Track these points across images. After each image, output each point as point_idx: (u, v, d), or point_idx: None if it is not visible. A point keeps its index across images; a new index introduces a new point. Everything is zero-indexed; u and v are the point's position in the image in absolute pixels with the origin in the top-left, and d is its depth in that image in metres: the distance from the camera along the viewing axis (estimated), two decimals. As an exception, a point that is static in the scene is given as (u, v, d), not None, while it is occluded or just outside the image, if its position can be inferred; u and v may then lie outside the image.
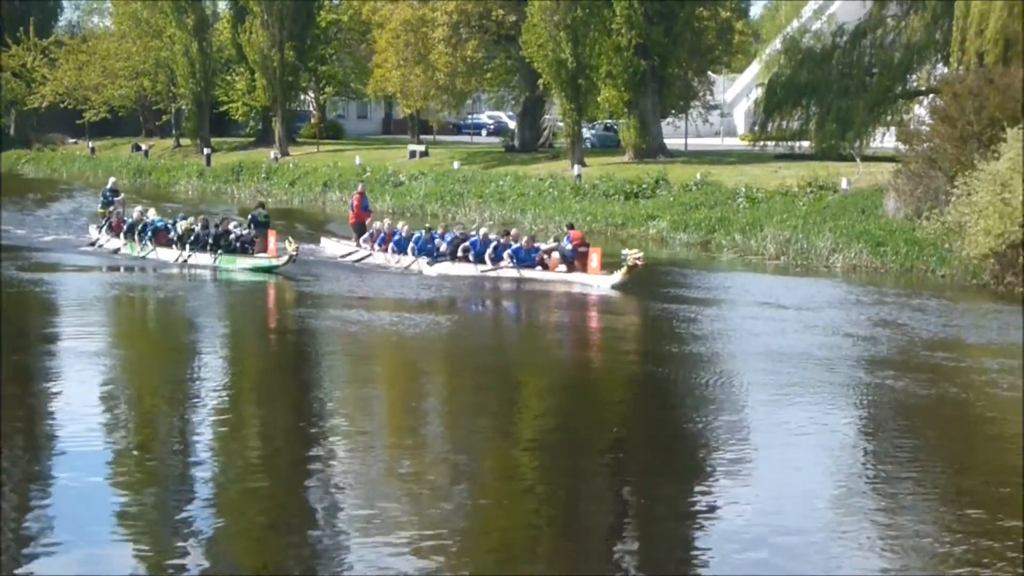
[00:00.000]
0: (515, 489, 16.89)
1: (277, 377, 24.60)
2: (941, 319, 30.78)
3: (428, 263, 39.60)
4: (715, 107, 78.40)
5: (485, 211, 57.25)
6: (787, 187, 52.17)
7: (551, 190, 59.58)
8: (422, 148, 76.92)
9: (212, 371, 24.71)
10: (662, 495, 16.34)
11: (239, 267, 39.83)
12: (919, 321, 30.14)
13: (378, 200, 63.42)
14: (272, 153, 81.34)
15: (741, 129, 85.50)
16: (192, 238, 41.33)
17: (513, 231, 40.57)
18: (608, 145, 75.89)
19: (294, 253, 37.92)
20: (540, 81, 66.00)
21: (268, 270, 38.99)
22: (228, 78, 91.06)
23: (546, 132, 77.63)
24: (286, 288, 36.52)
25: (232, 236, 40.84)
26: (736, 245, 44.93)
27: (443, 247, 39.86)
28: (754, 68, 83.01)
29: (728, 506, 15.73)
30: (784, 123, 62.46)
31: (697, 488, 16.55)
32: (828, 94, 59.07)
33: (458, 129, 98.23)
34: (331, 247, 44.50)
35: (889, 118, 58.58)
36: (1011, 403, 21.80)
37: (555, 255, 38.01)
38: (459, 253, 39.42)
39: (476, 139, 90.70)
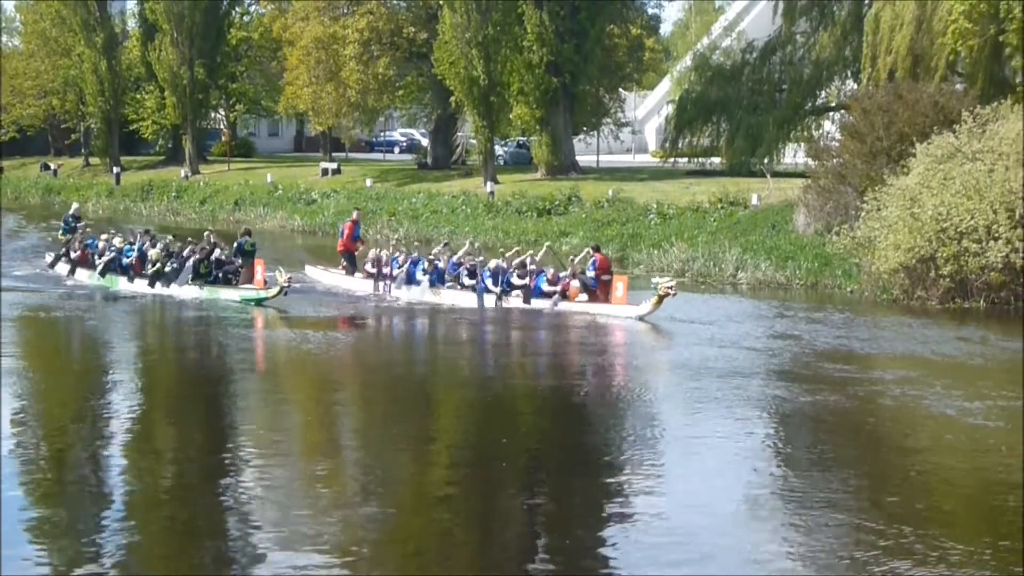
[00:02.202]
0: (429, 498, 16.89)
1: (227, 393, 24.46)
2: (844, 331, 31.21)
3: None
4: (626, 124, 78.75)
5: (398, 229, 57.06)
6: (698, 203, 52.44)
7: (464, 207, 59.60)
8: (334, 166, 76.57)
9: (126, 390, 24.46)
10: (574, 504, 16.37)
11: (224, 299, 36.54)
12: (823, 334, 30.54)
13: (289, 219, 63.33)
14: (182, 171, 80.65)
15: (652, 146, 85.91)
16: (170, 267, 38.13)
17: (528, 256, 36.80)
18: (521, 162, 76.00)
19: (286, 285, 34.88)
20: (452, 98, 65.91)
21: (257, 302, 35.80)
22: (138, 96, 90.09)
23: (459, 149, 77.67)
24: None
25: (212, 261, 37.75)
26: (649, 261, 44.93)
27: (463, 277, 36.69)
28: (665, 85, 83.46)
29: (639, 515, 15.81)
30: (695, 140, 62.98)
31: (608, 497, 16.60)
32: (738, 110, 59.56)
33: (370, 146, 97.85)
34: (324, 276, 41.33)
35: (799, 134, 59.14)
36: (905, 412, 22.41)
37: (575, 284, 34.93)
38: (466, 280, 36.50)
39: (389, 156, 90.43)
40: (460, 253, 37.92)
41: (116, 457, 19.22)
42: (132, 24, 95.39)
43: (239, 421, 22.02)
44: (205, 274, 37.74)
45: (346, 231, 41.37)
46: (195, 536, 15.29)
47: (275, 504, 16.30)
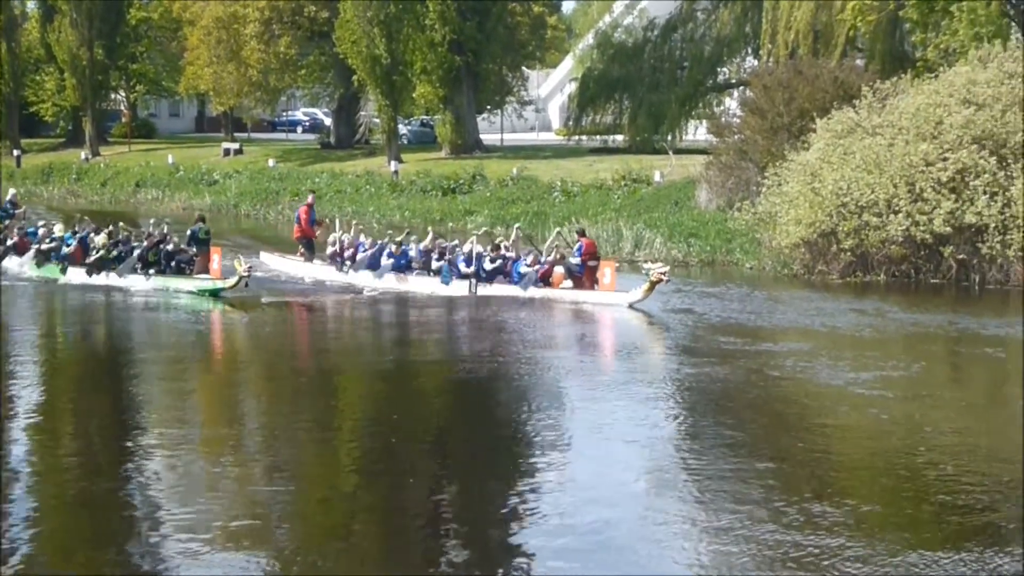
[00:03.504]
0: (337, 489, 16.78)
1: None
2: (740, 305, 31.54)
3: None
4: (529, 102, 78.78)
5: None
6: (602, 181, 52.65)
7: (368, 187, 59.48)
8: (236, 146, 76.09)
9: (24, 378, 24.07)
10: (482, 491, 16.31)
11: (176, 289, 34.08)
12: (718, 309, 30.85)
13: (193, 199, 62.84)
14: (83, 154, 79.69)
15: (556, 124, 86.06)
16: (116, 254, 35.50)
17: (507, 241, 35.59)
18: (425, 141, 75.78)
19: (246, 274, 32.43)
20: (355, 77, 65.77)
21: (214, 293, 33.21)
22: (37, 78, 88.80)
23: (362, 129, 77.40)
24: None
25: (163, 252, 35.17)
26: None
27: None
28: (567, 63, 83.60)
29: (548, 500, 15.68)
30: (598, 117, 63.14)
31: (517, 483, 16.48)
32: (640, 88, 59.78)
33: (273, 126, 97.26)
34: (280, 263, 38.92)
35: (701, 111, 59.50)
36: (796, 383, 22.74)
37: (559, 269, 32.88)
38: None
39: (291, 136, 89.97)
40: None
41: (18, 443, 18.89)
42: (31, 6, 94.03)
43: (144, 407, 21.68)
44: (154, 263, 35.14)
45: (302, 216, 38.42)
46: (94, 529, 15.07)
47: (175, 492, 16.09)
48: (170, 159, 73.46)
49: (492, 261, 33.67)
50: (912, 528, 14.65)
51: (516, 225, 40.10)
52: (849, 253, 34.60)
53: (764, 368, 23.75)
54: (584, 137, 64.62)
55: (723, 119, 49.79)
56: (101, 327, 31.25)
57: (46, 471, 17.30)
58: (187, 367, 25.42)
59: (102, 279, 35.25)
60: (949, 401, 21.54)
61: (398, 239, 35.81)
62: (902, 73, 39.83)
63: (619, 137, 62.49)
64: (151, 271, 34.96)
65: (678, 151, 55.73)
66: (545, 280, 32.91)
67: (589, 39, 67.83)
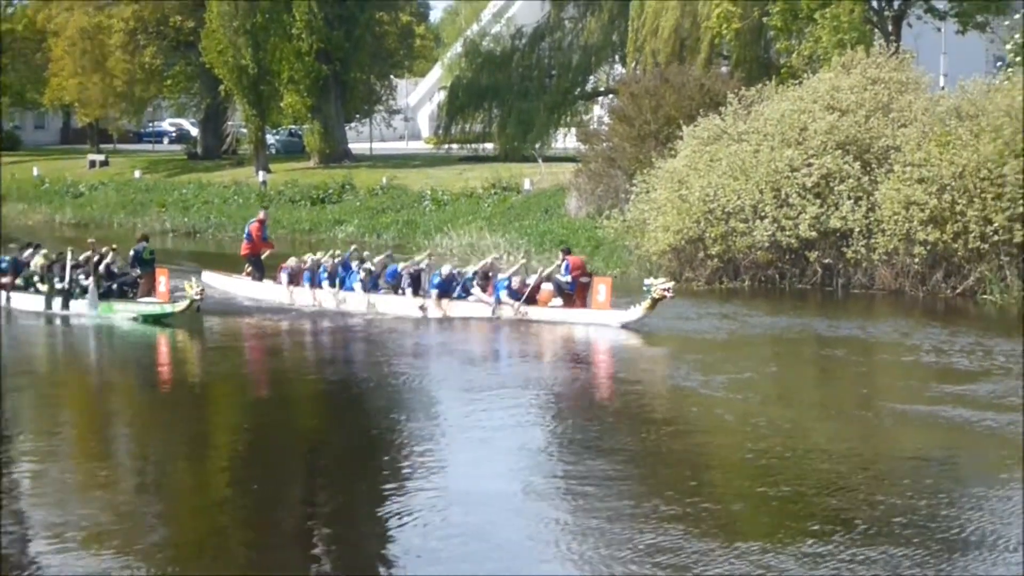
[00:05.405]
0: (209, 498, 16.65)
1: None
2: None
3: (423, 305, 30.78)
4: (398, 111, 78.63)
5: (166, 220, 56.31)
6: (472, 189, 52.70)
7: (236, 197, 59.05)
8: (102, 157, 75.29)
9: None
10: (358, 498, 16.24)
11: (120, 315, 31.15)
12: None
13: (57, 212, 61.98)
14: (-56, 167, 78.36)
15: (425, 132, 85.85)
16: (53, 279, 32.04)
17: (489, 260, 32.98)
18: (293, 151, 75.26)
19: (198, 298, 29.60)
20: (221, 87, 65.26)
21: (158, 318, 30.52)
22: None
23: (229, 139, 76.72)
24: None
25: (104, 272, 32.00)
26: (429, 247, 44.13)
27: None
28: (436, 72, 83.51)
29: (423, 506, 15.65)
30: (467, 126, 63.32)
31: (392, 489, 16.43)
32: (509, 96, 60.00)
33: (139, 137, 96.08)
34: (226, 283, 35.88)
35: (569, 119, 59.82)
36: (650, 387, 23.26)
37: (547, 287, 30.34)
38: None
39: (158, 147, 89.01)
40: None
41: None
42: None
43: (15, 425, 21.25)
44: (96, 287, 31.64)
45: (254, 232, 35.55)
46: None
47: (46, 506, 15.84)
48: (35, 171, 72.42)
49: (482, 288, 31.08)
50: (762, 523, 14.95)
51: (522, 255, 36.78)
52: (716, 259, 34.81)
53: (621, 372, 24.43)
54: (454, 146, 64.76)
55: (591, 127, 50.09)
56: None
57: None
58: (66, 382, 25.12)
59: (34, 299, 32.45)
60: (799, 402, 22.02)
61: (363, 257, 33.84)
62: (767, 80, 40.21)
63: (489, 145, 62.64)
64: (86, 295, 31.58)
65: (548, 159, 55.84)
66: (530, 299, 30.20)
67: (457, 48, 68.03)
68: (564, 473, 17.05)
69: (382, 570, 13.86)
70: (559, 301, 30.00)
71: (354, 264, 32.83)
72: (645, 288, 28.31)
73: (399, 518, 15.20)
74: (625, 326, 28.51)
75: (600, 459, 17.64)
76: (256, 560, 14.28)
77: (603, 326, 28.89)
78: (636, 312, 28.46)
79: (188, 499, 16.53)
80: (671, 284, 28.24)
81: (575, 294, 30.04)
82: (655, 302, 27.89)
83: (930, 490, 15.97)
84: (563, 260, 30.68)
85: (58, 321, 31.71)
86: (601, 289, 29.48)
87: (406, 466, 17.76)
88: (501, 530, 14.92)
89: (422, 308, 30.74)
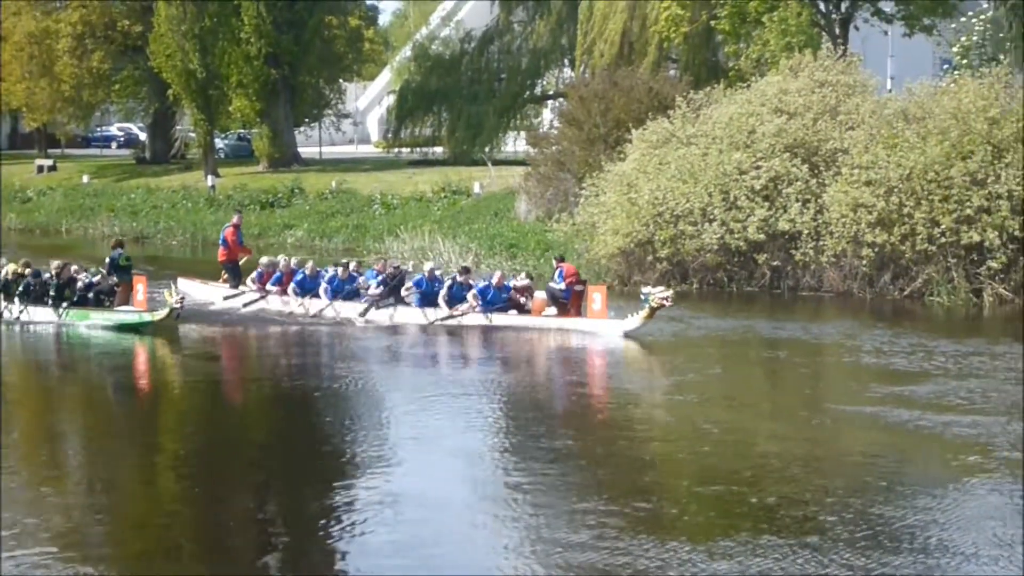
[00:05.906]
0: (158, 507, 16.51)
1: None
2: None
3: (361, 312, 30.74)
4: (347, 115, 78.41)
5: (116, 225, 56.04)
6: (421, 193, 52.67)
7: (185, 202, 58.77)
8: (50, 163, 74.81)
9: None
10: (307, 505, 16.18)
11: (94, 323, 30.32)
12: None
13: (4, 218, 61.53)
14: None
15: (375, 136, 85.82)
16: (22, 288, 31.21)
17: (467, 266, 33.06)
18: (242, 155, 74.85)
19: (178, 306, 28.69)
20: (170, 92, 64.92)
21: (136, 327, 29.55)
22: None
23: (178, 143, 76.40)
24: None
25: (80, 285, 30.96)
26: (378, 251, 43.98)
27: (372, 288, 31.09)
28: (385, 75, 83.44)
29: (374, 511, 15.64)
30: (417, 130, 63.39)
31: (342, 495, 16.41)
32: (459, 100, 60.08)
33: (87, 142, 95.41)
34: (202, 290, 34.57)
35: (519, 122, 59.89)
36: (596, 389, 23.82)
37: (539, 295, 29.96)
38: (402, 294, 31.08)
39: (106, 152, 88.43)
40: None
41: None
42: None
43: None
44: (68, 298, 30.81)
45: (229, 238, 34.37)
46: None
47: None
48: (-19, 176, 71.93)
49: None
50: (696, 523, 15.05)
51: (525, 271, 35.10)
52: (665, 262, 34.85)
53: (567, 375, 24.78)
54: (403, 149, 64.84)
55: (541, 130, 50.12)
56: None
57: None
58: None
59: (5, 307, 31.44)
60: (742, 403, 22.15)
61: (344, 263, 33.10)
62: (715, 83, 40.38)
63: (438, 149, 62.69)
64: (63, 304, 30.77)
65: (497, 163, 55.87)
66: (518, 307, 29.89)
67: (406, 52, 67.96)
68: (507, 475, 17.12)
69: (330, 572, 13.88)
70: (553, 310, 29.52)
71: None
72: (643, 297, 27.76)
73: (349, 524, 15.21)
74: (627, 335, 27.95)
75: (541, 462, 17.75)
76: (205, 566, 14.26)
77: (605, 335, 28.27)
78: (635, 321, 27.93)
79: (136, 505, 16.42)
80: (669, 293, 27.66)
81: (570, 302, 29.46)
82: (653, 311, 27.40)
83: (865, 489, 16.17)
84: (557, 267, 30.38)
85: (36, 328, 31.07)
86: (596, 298, 28.92)
87: (354, 471, 17.77)
88: (443, 532, 14.97)
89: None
